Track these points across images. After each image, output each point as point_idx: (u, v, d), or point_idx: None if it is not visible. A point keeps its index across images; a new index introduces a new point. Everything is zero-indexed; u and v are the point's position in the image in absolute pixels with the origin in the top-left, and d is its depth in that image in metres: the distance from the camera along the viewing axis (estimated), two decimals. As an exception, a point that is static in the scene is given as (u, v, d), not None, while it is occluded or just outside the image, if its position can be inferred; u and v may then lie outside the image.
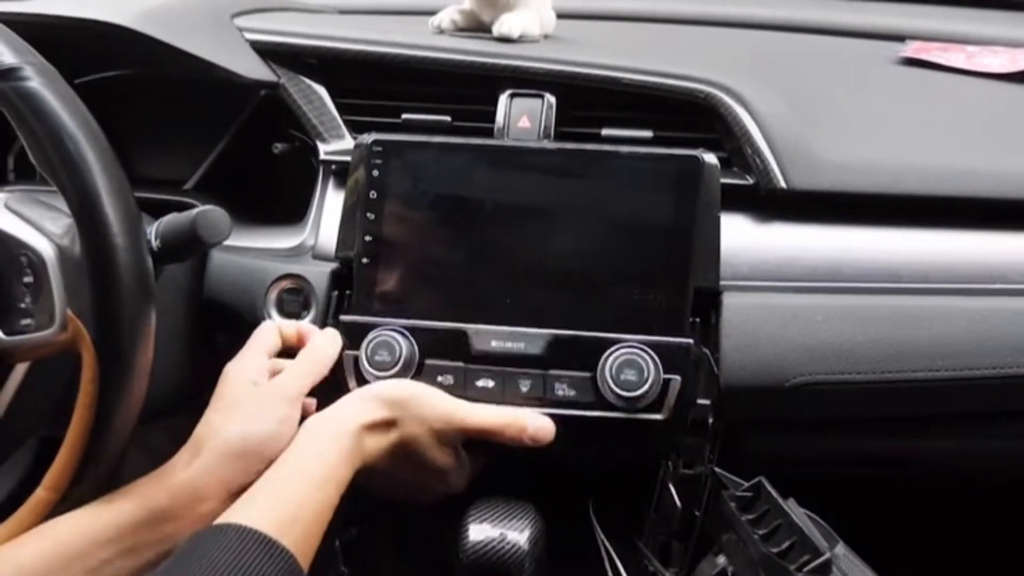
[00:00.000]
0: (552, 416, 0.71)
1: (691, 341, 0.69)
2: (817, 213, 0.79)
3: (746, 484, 0.69)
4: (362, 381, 0.74)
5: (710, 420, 0.76)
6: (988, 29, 1.04)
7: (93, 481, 0.63)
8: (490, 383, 0.70)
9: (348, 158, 0.82)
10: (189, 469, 0.66)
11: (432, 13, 0.95)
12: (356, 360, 0.75)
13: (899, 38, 1.01)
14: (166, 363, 0.81)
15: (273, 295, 0.82)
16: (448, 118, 0.84)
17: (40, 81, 0.59)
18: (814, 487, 0.72)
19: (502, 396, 0.72)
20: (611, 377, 0.69)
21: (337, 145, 0.86)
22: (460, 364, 0.75)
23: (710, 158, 0.77)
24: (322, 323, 0.81)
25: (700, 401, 0.74)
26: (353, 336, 0.76)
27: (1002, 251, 0.78)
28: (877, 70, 0.95)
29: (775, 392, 0.74)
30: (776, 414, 0.77)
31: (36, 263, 0.64)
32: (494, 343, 0.72)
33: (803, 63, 0.95)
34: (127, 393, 0.61)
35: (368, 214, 0.79)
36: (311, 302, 0.82)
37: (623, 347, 0.70)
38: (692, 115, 0.81)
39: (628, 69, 0.82)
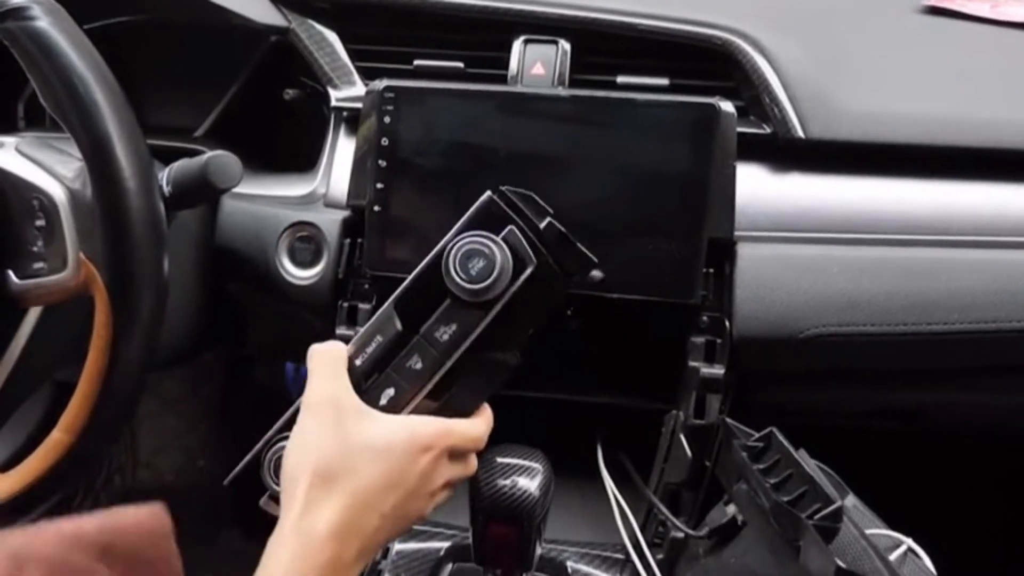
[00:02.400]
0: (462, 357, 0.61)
1: (488, 193, 0.60)
2: (835, 163, 0.78)
3: (757, 435, 0.69)
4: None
5: (723, 371, 0.76)
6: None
7: (107, 424, 0.63)
8: (391, 391, 0.60)
9: (359, 105, 0.82)
10: None
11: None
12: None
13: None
14: (178, 312, 0.82)
15: (284, 243, 0.82)
16: (461, 64, 0.83)
17: (49, 20, 0.59)
18: (824, 439, 0.72)
19: (412, 388, 0.61)
20: (464, 279, 0.58)
21: (348, 91, 0.85)
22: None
23: (727, 106, 0.75)
24: (334, 271, 0.81)
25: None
26: None
27: (1021, 203, 0.76)
28: (898, 19, 0.93)
29: (789, 344, 0.74)
30: (789, 366, 0.77)
31: (48, 206, 0.64)
32: (358, 362, 0.61)
33: (823, 11, 0.93)
34: (140, 336, 0.62)
35: (380, 161, 0.79)
36: (323, 250, 0.81)
37: (451, 248, 0.59)
38: (709, 63, 0.80)
39: (644, 15, 0.80)
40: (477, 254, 0.58)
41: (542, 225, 0.59)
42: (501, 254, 0.58)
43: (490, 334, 0.59)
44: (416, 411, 0.60)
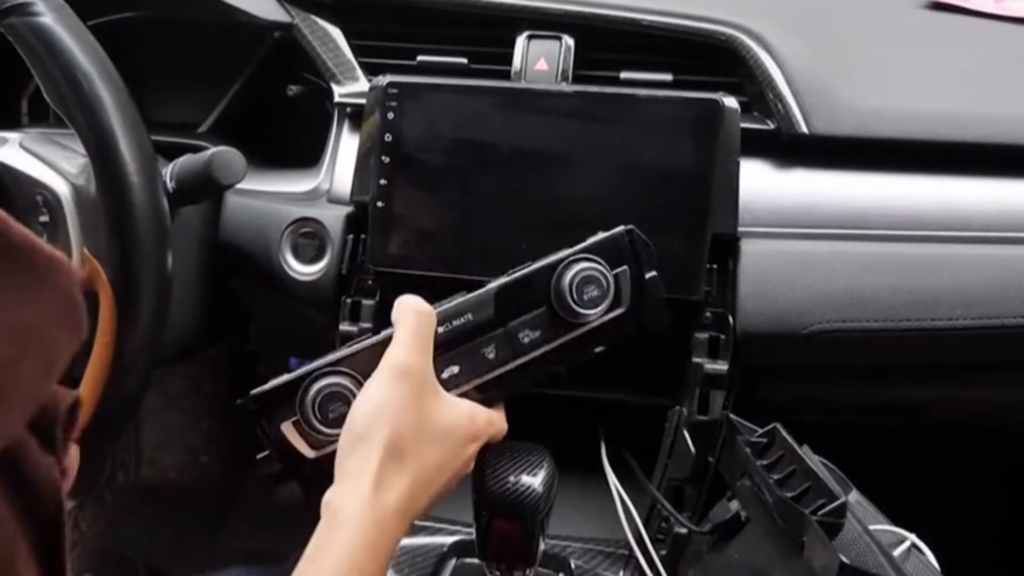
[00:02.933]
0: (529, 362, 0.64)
1: (623, 228, 0.64)
2: (838, 159, 0.78)
3: (760, 431, 0.69)
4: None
5: (726, 367, 0.76)
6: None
7: (112, 420, 0.63)
8: (455, 368, 0.61)
9: (363, 101, 0.82)
10: None
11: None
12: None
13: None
14: (182, 308, 0.82)
15: (288, 239, 0.82)
16: (464, 60, 0.83)
17: (53, 16, 0.59)
18: (827, 435, 0.72)
19: (474, 373, 0.63)
20: (574, 301, 0.61)
21: (352, 87, 0.85)
22: None
23: (730, 102, 0.75)
24: (337, 267, 0.81)
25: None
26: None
27: (1025, 199, 0.76)
28: (901, 15, 0.93)
29: (792, 339, 0.74)
30: (792, 362, 0.77)
31: (52, 202, 0.64)
32: (440, 330, 0.61)
33: (826, 6, 0.93)
34: (144, 331, 0.62)
35: (383, 157, 0.79)
36: (326, 246, 0.81)
37: (569, 265, 0.62)
38: (713, 58, 0.80)
39: (648, 10, 0.80)
40: (595, 282, 0.61)
41: (648, 276, 0.64)
42: (613, 288, 0.62)
43: (564, 350, 0.63)
44: (463, 394, 0.61)
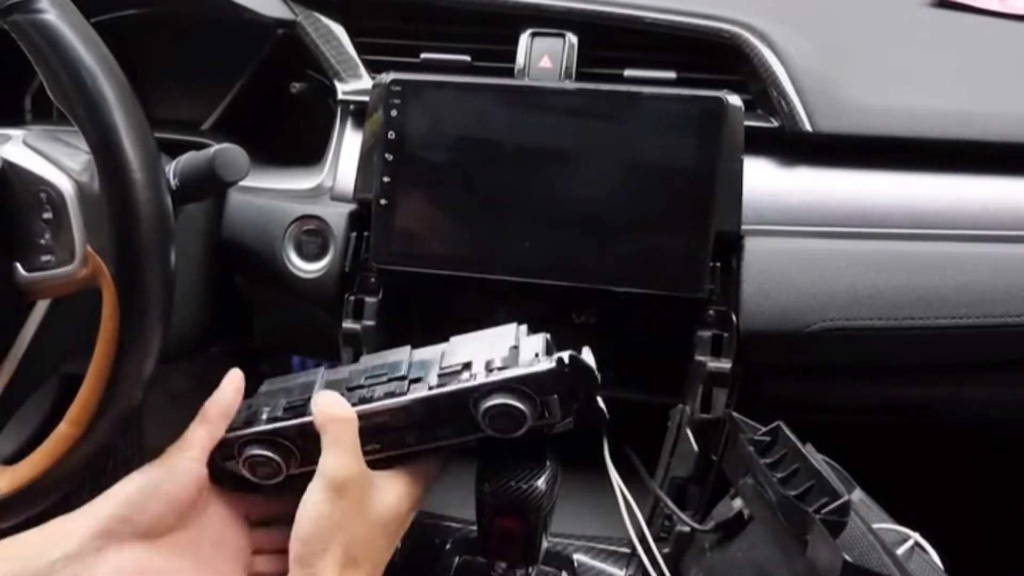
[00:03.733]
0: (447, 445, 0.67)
1: (560, 360, 0.61)
2: (842, 157, 0.78)
3: (763, 429, 0.69)
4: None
5: (729, 365, 0.75)
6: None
7: (115, 417, 0.63)
8: (376, 445, 0.64)
9: (366, 98, 0.82)
10: None
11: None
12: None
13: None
14: (185, 305, 0.82)
15: (291, 236, 0.82)
16: (467, 58, 0.83)
17: (56, 13, 0.59)
18: (830, 434, 0.72)
19: (394, 448, 0.66)
20: (486, 425, 0.63)
21: (355, 85, 0.85)
22: None
23: (734, 100, 0.75)
24: (340, 265, 0.81)
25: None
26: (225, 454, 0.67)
27: (1031, 197, 0.76)
28: (906, 12, 0.93)
29: (795, 338, 0.74)
30: (796, 360, 0.77)
31: (55, 199, 0.64)
32: (362, 424, 0.63)
33: (831, 4, 0.93)
34: (148, 328, 0.62)
35: (386, 155, 0.78)
36: (329, 244, 0.81)
37: (487, 395, 0.62)
38: (717, 56, 0.80)
39: (652, 8, 0.80)
40: (509, 416, 0.62)
41: (589, 402, 0.64)
42: (532, 415, 0.62)
43: (483, 440, 0.65)
44: (385, 459, 0.66)
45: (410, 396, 0.63)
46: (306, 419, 0.64)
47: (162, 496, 0.62)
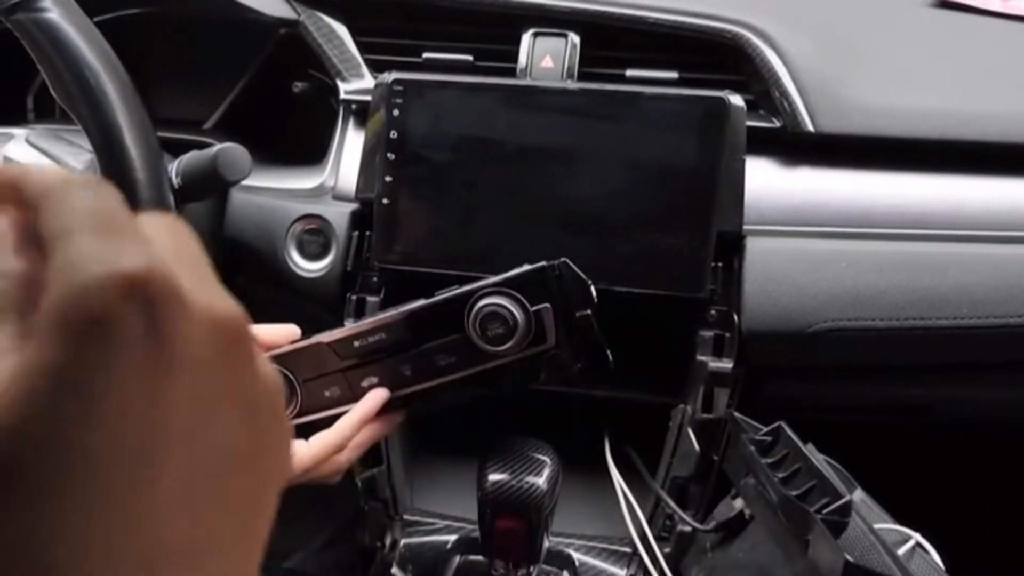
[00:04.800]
0: (445, 383, 0.65)
1: (550, 263, 0.61)
2: (844, 157, 0.78)
3: (765, 429, 0.69)
4: None
5: (731, 366, 0.76)
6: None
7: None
8: (374, 379, 0.64)
9: (368, 97, 0.82)
10: None
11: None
12: None
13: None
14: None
15: (293, 235, 0.82)
16: (470, 57, 0.83)
17: (59, 12, 0.59)
18: (831, 434, 0.72)
19: (392, 387, 0.65)
20: (478, 335, 0.62)
21: (357, 84, 0.85)
22: (339, 372, 0.66)
23: (736, 100, 0.75)
24: (342, 264, 0.81)
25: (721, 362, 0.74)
26: None
27: (1032, 198, 0.76)
28: (907, 13, 0.93)
29: (796, 338, 0.74)
30: (797, 360, 0.77)
31: (58, 198, 0.64)
32: (357, 344, 0.64)
33: (832, 4, 0.93)
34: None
35: (389, 154, 0.79)
36: (331, 243, 0.82)
37: (480, 298, 0.61)
38: (719, 56, 0.80)
39: (654, 8, 0.80)
40: (499, 319, 0.60)
41: (578, 314, 0.61)
42: (524, 324, 0.60)
43: (483, 377, 0.63)
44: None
45: (406, 307, 0.63)
46: (305, 342, 0.65)
47: None
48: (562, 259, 0.61)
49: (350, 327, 0.64)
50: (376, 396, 0.63)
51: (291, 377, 0.64)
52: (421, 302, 0.62)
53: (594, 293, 0.62)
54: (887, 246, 0.75)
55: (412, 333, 0.63)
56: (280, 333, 0.65)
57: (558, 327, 0.61)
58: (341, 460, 0.62)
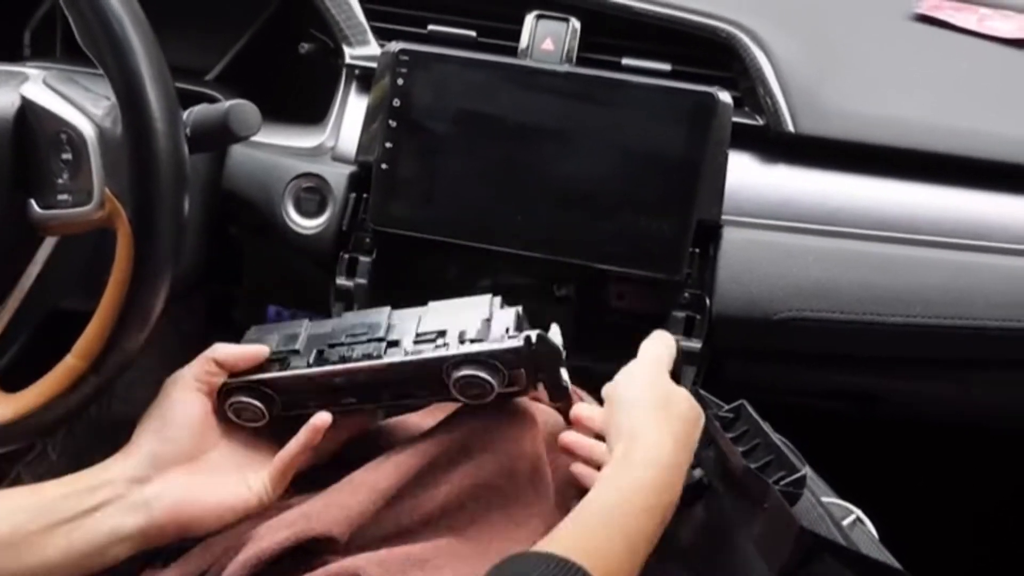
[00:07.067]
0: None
1: (528, 337, 0.63)
2: (821, 159, 0.83)
3: (727, 406, 0.74)
4: None
5: (699, 346, 0.81)
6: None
7: (123, 352, 0.66)
8: (352, 400, 0.67)
9: (373, 64, 0.84)
10: None
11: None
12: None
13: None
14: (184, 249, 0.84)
15: (291, 192, 0.85)
16: (474, 33, 0.85)
17: None
18: (785, 419, 0.77)
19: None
20: (456, 392, 0.65)
21: (362, 51, 0.88)
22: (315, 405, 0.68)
23: (725, 96, 0.79)
24: (338, 223, 0.84)
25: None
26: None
27: (988, 210, 0.82)
28: (890, 24, 0.97)
29: (762, 324, 0.79)
30: (761, 345, 0.82)
31: (76, 141, 0.66)
32: (337, 380, 0.67)
33: (822, 10, 0.97)
34: (160, 270, 0.64)
35: (390, 121, 0.81)
36: (328, 202, 0.84)
37: (457, 366, 0.64)
38: (711, 52, 0.84)
39: (654, 1, 0.84)
40: (479, 387, 0.64)
41: (552, 378, 0.65)
42: (499, 385, 0.64)
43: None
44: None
45: (386, 360, 0.66)
46: (289, 372, 0.67)
47: (177, 423, 0.65)
48: (539, 332, 0.63)
49: (331, 367, 0.66)
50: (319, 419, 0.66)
51: (263, 408, 0.67)
52: (401, 358, 0.65)
53: (564, 357, 0.65)
54: (852, 244, 0.81)
55: (393, 377, 0.66)
56: (248, 354, 0.68)
57: (529, 380, 0.65)
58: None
